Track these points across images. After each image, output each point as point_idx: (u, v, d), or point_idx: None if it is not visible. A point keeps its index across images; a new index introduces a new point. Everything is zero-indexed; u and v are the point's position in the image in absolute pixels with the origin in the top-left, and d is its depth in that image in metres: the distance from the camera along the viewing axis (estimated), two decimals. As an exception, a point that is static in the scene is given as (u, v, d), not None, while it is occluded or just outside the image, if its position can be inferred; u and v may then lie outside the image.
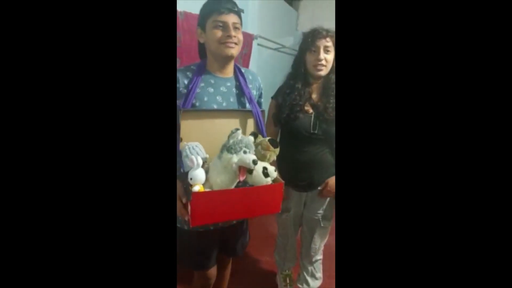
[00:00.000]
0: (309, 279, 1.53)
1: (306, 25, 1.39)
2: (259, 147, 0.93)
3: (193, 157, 0.83)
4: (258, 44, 2.61)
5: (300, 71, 1.27)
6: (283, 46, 3.49)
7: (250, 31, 2.47)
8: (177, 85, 0.98)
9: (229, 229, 1.12)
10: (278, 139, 1.32)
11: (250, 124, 1.05)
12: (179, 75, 0.99)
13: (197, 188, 0.83)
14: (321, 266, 1.54)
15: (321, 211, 1.37)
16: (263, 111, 1.06)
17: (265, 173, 0.88)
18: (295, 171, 1.30)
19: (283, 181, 0.94)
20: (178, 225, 1.07)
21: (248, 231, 1.29)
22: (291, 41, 3.83)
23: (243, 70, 1.10)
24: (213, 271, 1.19)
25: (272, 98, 1.38)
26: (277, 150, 0.94)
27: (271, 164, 0.93)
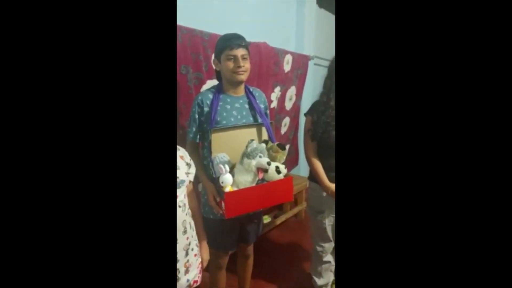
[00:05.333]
0: None
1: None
2: (270, 150, 1.15)
3: (221, 165, 1.06)
4: (315, 64, 2.74)
5: (331, 89, 1.37)
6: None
7: (306, 52, 2.62)
8: (202, 104, 1.22)
9: (246, 218, 1.33)
10: (316, 151, 1.43)
11: (262, 133, 1.27)
12: (203, 96, 1.23)
13: (228, 189, 1.06)
14: None
15: None
16: (271, 123, 1.28)
17: (278, 171, 1.10)
18: (332, 173, 1.40)
19: (292, 176, 1.17)
20: (204, 215, 1.29)
21: (262, 224, 1.49)
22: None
23: (251, 89, 1.32)
24: (227, 256, 1.40)
25: (305, 114, 1.47)
26: (285, 152, 1.15)
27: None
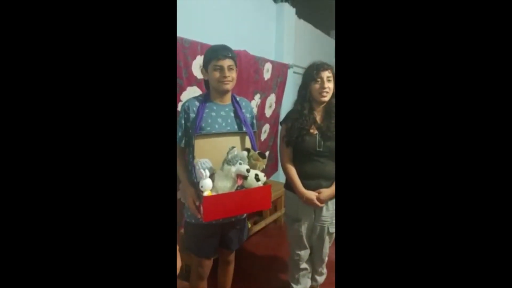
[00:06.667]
0: (317, 277, 1.69)
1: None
2: (251, 158, 1.18)
3: (202, 170, 1.09)
4: (294, 72, 2.82)
5: (305, 98, 1.43)
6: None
7: (285, 61, 2.71)
8: (188, 110, 1.25)
9: (228, 224, 1.34)
10: (291, 158, 1.48)
11: (246, 141, 1.30)
12: (189, 103, 1.26)
13: (206, 193, 1.09)
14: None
15: (328, 219, 1.49)
16: (255, 132, 1.32)
17: (257, 178, 1.14)
18: (306, 180, 1.44)
19: (270, 184, 1.20)
20: (187, 219, 1.32)
21: (246, 230, 1.50)
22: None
23: (238, 98, 1.36)
24: (210, 262, 1.39)
25: (281, 123, 1.53)
26: (265, 161, 1.19)
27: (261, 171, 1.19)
